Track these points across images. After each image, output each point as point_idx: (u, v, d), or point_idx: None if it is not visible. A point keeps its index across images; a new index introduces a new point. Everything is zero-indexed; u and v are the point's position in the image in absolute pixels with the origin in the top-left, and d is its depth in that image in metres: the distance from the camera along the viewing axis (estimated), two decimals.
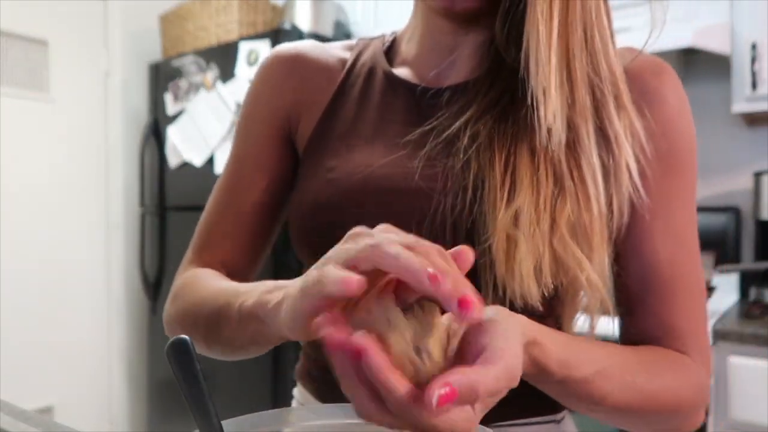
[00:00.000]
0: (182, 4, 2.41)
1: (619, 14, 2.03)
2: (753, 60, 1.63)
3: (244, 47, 2.10)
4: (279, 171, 0.66)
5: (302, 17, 2.23)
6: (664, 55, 1.88)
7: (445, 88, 0.60)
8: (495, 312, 0.39)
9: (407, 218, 0.52)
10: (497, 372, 0.35)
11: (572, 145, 0.51)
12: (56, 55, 2.41)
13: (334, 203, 0.57)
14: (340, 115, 0.63)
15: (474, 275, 0.42)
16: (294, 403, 0.69)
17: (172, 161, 2.35)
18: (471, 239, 0.51)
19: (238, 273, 0.65)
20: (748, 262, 1.90)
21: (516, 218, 0.49)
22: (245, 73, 2.08)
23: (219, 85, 2.16)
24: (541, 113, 0.50)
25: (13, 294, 2.24)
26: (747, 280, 1.85)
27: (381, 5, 2.38)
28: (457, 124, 0.55)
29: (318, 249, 0.44)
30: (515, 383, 0.37)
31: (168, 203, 2.40)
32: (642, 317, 0.55)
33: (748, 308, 1.62)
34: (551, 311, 0.54)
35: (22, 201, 2.30)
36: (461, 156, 0.54)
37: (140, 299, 2.55)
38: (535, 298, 0.49)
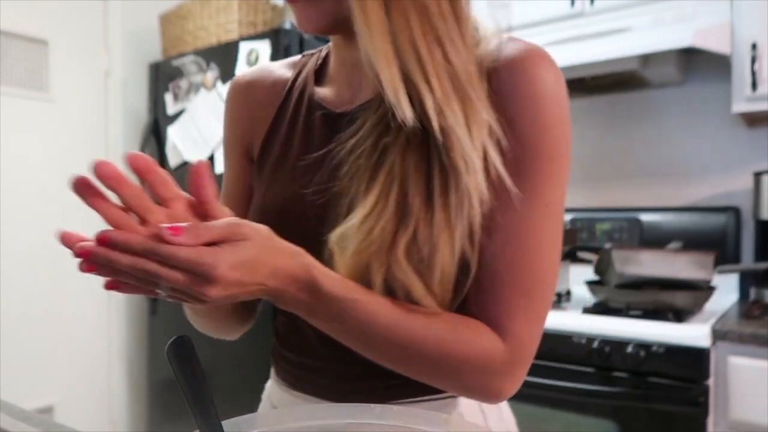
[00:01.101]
0: (182, 4, 2.41)
1: (619, 14, 2.03)
2: (753, 60, 1.63)
3: (244, 47, 2.10)
4: (249, 185, 0.71)
5: None
6: (664, 55, 1.89)
7: (354, 109, 0.61)
8: (268, 233, 0.48)
9: (310, 244, 0.54)
10: (237, 252, 0.44)
11: (440, 166, 0.53)
12: (56, 55, 2.41)
13: (262, 221, 0.60)
14: (276, 139, 0.67)
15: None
16: (269, 384, 0.74)
17: (172, 161, 2.35)
18: (325, 249, 0.55)
19: None
20: (748, 262, 1.90)
21: (341, 237, 0.53)
22: None
23: (219, 85, 2.16)
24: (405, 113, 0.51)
25: (13, 294, 2.24)
26: (747, 280, 1.85)
27: None
28: (347, 148, 0.57)
29: None
30: (258, 278, 0.46)
31: None
32: (477, 295, 0.56)
33: (748, 308, 1.62)
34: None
35: (22, 201, 2.29)
36: (344, 181, 0.57)
37: (140, 299, 2.54)
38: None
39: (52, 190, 2.39)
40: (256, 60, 2.06)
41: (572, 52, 1.86)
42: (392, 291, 0.53)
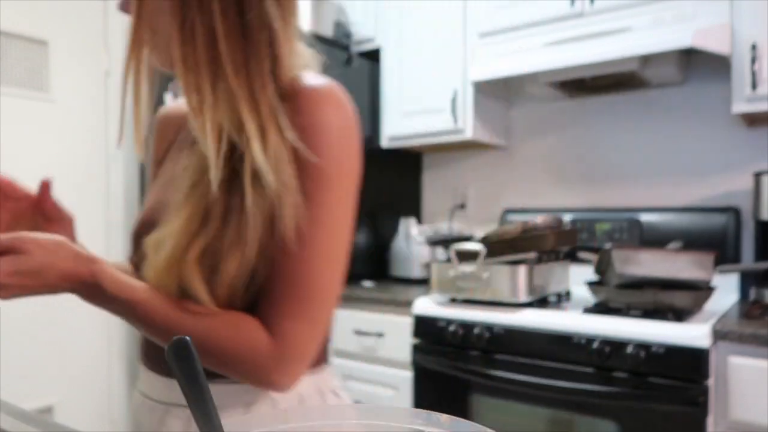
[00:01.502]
0: None
1: (619, 14, 2.03)
2: (753, 60, 1.63)
3: None
4: None
5: (302, 17, 2.23)
6: (664, 55, 1.89)
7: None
8: (51, 239, 0.60)
9: (143, 235, 0.68)
10: (15, 263, 0.56)
11: (228, 188, 0.62)
12: (56, 55, 2.41)
13: (132, 234, 0.76)
14: (166, 161, 0.79)
15: None
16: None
17: None
18: None
19: None
20: (748, 262, 1.90)
21: (157, 245, 0.63)
22: None
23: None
24: (210, 155, 0.61)
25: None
26: (747, 280, 1.85)
27: (381, 5, 2.38)
28: (178, 168, 0.68)
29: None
30: (45, 281, 0.58)
31: None
32: (260, 297, 0.65)
33: (748, 308, 1.62)
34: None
35: None
36: (169, 194, 0.67)
37: None
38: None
39: (52, 190, 2.39)
40: None
41: (572, 52, 1.86)
42: (185, 292, 0.62)
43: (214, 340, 0.63)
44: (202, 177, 0.63)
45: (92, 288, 0.62)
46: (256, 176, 0.61)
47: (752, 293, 1.79)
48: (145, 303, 0.62)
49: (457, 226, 2.48)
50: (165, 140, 0.82)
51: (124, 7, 0.70)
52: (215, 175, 0.61)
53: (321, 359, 0.76)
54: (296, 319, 0.63)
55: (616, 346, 1.46)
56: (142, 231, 0.71)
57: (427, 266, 1.85)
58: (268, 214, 0.62)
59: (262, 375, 0.64)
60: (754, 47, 1.63)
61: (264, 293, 0.65)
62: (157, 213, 0.70)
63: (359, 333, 1.99)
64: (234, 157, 0.63)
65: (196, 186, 0.64)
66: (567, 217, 2.15)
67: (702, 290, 1.56)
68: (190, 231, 0.62)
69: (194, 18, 0.62)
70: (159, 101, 2.42)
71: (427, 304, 1.82)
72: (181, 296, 0.63)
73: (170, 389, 0.70)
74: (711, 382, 1.38)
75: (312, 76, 0.68)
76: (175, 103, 0.84)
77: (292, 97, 0.64)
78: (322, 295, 0.65)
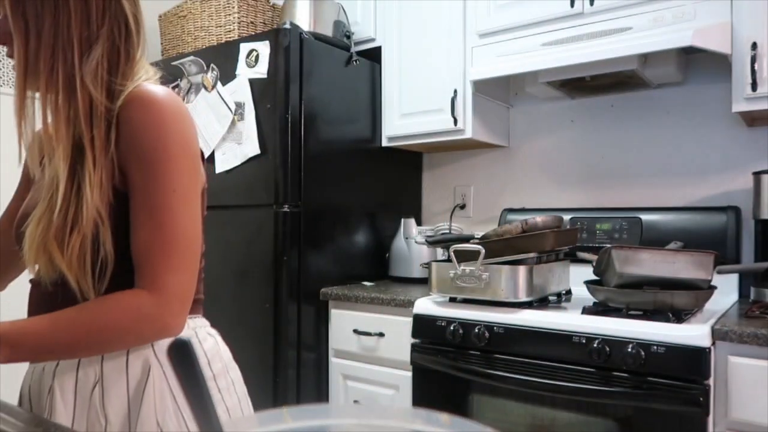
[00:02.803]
0: (182, 4, 2.41)
1: (619, 14, 2.03)
2: (753, 59, 1.63)
3: (244, 47, 2.10)
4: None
5: (302, 17, 2.23)
6: (664, 54, 1.89)
7: None
8: None
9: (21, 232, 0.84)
10: None
11: (69, 174, 0.78)
12: None
13: (14, 227, 0.91)
14: (41, 165, 0.93)
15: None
16: None
17: None
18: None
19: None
20: (748, 262, 1.90)
21: (33, 228, 0.79)
22: (245, 73, 2.08)
23: (219, 85, 2.16)
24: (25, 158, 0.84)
25: (13, 294, 2.24)
26: (747, 280, 1.85)
27: (381, 5, 2.38)
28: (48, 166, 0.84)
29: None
30: None
31: None
32: (136, 269, 0.80)
33: (748, 308, 1.62)
34: (64, 284, 0.80)
35: None
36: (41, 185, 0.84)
37: None
38: (44, 275, 0.80)
39: None
40: (256, 60, 2.06)
41: (572, 51, 1.86)
42: (50, 258, 0.78)
43: (100, 321, 0.76)
44: (54, 177, 0.80)
45: (20, 360, 0.75)
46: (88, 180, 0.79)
47: (752, 293, 1.79)
48: (35, 330, 0.75)
49: (457, 226, 2.48)
50: (40, 153, 0.95)
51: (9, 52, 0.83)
52: (63, 174, 0.79)
53: (196, 309, 0.92)
54: (170, 271, 0.78)
55: (616, 345, 1.46)
56: (19, 224, 0.86)
57: (427, 266, 1.85)
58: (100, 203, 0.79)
59: (156, 324, 0.78)
60: (754, 47, 1.63)
61: (138, 260, 0.79)
62: (26, 209, 0.86)
63: (359, 333, 1.99)
64: (74, 159, 0.80)
65: (50, 185, 0.80)
66: (567, 217, 2.15)
67: (702, 290, 1.56)
68: (47, 218, 0.78)
69: (54, 49, 0.79)
70: None
71: (426, 304, 1.82)
72: (51, 266, 0.78)
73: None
74: (711, 382, 1.38)
75: (151, 85, 0.83)
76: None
77: (127, 104, 0.80)
78: (187, 246, 0.80)
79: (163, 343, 0.84)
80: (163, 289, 0.78)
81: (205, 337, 0.91)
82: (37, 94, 0.82)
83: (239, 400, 0.93)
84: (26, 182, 1.02)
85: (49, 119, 0.81)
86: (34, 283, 0.89)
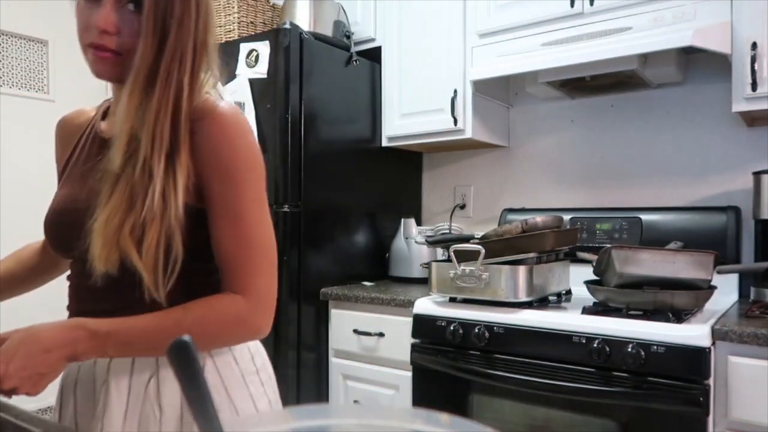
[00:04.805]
0: None
1: (619, 14, 2.03)
2: (753, 60, 1.63)
3: (244, 47, 2.10)
4: None
5: (302, 17, 2.23)
6: (664, 54, 1.89)
7: (110, 138, 0.86)
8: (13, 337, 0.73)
9: (68, 227, 0.85)
10: (4, 357, 0.71)
11: (148, 177, 0.79)
12: (56, 55, 2.41)
13: (49, 218, 0.90)
14: (71, 160, 0.94)
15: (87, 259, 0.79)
16: None
17: None
18: (86, 236, 0.80)
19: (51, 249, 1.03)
20: (748, 262, 1.90)
21: (102, 224, 0.78)
22: (245, 73, 2.08)
23: (219, 85, 2.16)
24: (114, 152, 0.80)
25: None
26: (747, 280, 1.85)
27: (381, 5, 2.38)
28: (100, 165, 0.83)
29: (48, 242, 0.92)
30: (56, 359, 0.73)
31: None
32: (223, 276, 0.84)
33: (748, 308, 1.62)
34: (131, 279, 0.80)
35: (22, 200, 2.29)
36: (96, 186, 0.82)
37: None
38: (111, 269, 0.78)
39: (52, 190, 2.39)
40: (256, 60, 2.06)
41: (572, 51, 1.86)
42: (123, 255, 0.78)
43: (204, 323, 0.80)
44: (123, 170, 0.81)
45: (89, 336, 0.76)
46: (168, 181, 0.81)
47: (752, 293, 1.79)
48: (135, 323, 0.78)
49: (457, 226, 2.48)
50: (67, 143, 0.97)
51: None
52: (118, 163, 0.80)
53: None
54: (258, 275, 0.83)
55: (616, 345, 1.46)
56: (59, 219, 0.88)
57: (427, 266, 1.85)
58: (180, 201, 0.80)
59: (251, 329, 0.83)
60: (754, 47, 1.63)
61: (226, 266, 0.83)
62: (77, 203, 0.85)
63: (359, 333, 1.99)
64: (167, 162, 0.81)
65: (119, 177, 0.80)
66: (567, 217, 2.15)
67: (702, 290, 1.56)
68: (123, 211, 0.79)
69: (153, 41, 0.80)
70: None
71: (426, 304, 1.82)
72: (121, 264, 0.78)
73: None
74: (711, 382, 1.38)
75: (218, 99, 0.87)
76: (70, 111, 1.02)
77: (203, 118, 0.83)
78: (268, 251, 0.85)
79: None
80: (254, 292, 0.83)
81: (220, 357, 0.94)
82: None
83: (276, 393, 0.97)
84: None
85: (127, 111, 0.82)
86: (78, 276, 0.89)
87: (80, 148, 0.94)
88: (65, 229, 0.86)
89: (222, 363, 0.88)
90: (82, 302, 0.90)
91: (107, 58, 0.81)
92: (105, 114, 0.96)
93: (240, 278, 0.83)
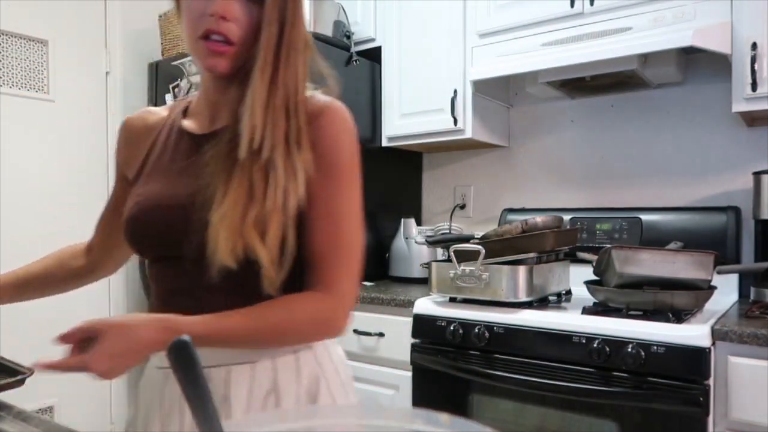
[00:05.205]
0: None
1: (619, 14, 2.03)
2: (753, 60, 1.63)
3: None
4: (120, 196, 1.00)
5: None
6: (664, 54, 1.89)
7: (210, 133, 0.87)
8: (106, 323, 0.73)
9: (170, 223, 0.83)
10: (97, 351, 0.72)
11: (267, 170, 0.79)
12: (56, 55, 2.41)
13: (137, 216, 0.87)
14: (150, 159, 0.93)
15: (202, 254, 0.77)
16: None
17: None
18: (201, 231, 0.78)
19: (98, 253, 1.08)
20: (748, 262, 1.90)
21: (221, 217, 0.77)
22: None
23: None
24: (243, 145, 0.79)
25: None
26: (747, 280, 1.85)
27: (381, 5, 2.38)
28: (210, 161, 0.82)
29: (131, 243, 0.89)
30: (139, 354, 0.72)
31: None
32: (311, 273, 0.84)
33: (748, 308, 1.62)
34: (248, 275, 0.79)
35: (22, 200, 2.29)
36: (205, 181, 0.81)
37: (140, 299, 2.54)
38: (230, 264, 0.77)
39: (52, 190, 2.39)
40: None
41: (572, 52, 1.86)
42: (247, 251, 0.77)
43: (290, 319, 0.80)
44: (236, 163, 0.80)
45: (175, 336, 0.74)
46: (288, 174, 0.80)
47: (752, 293, 1.79)
48: (224, 321, 0.76)
49: (457, 226, 2.48)
50: (135, 143, 0.96)
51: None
52: (242, 150, 0.79)
53: None
54: (345, 276, 0.83)
55: (616, 345, 1.46)
56: (153, 217, 0.85)
57: (427, 266, 1.85)
58: (292, 195, 0.80)
59: (333, 329, 0.83)
60: (754, 47, 1.63)
61: (316, 263, 0.83)
62: (175, 199, 0.84)
63: (359, 333, 1.99)
64: (285, 154, 0.81)
65: (233, 170, 0.79)
66: (567, 217, 2.15)
67: (702, 290, 1.56)
68: (243, 204, 0.78)
69: (274, 32, 0.80)
70: (159, 101, 2.42)
71: (426, 304, 1.82)
72: (245, 258, 0.77)
73: (209, 355, 0.80)
74: (711, 382, 1.38)
75: (319, 95, 0.87)
76: (135, 113, 1.01)
77: (320, 114, 0.84)
78: (357, 252, 0.86)
79: (332, 350, 0.93)
80: (340, 294, 0.83)
81: (333, 342, 0.94)
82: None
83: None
84: (121, 178, 1.01)
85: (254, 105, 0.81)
86: (176, 276, 0.86)
87: (162, 146, 0.92)
88: (163, 226, 0.84)
89: (320, 354, 0.90)
90: (174, 304, 0.85)
91: (223, 50, 0.80)
92: (184, 112, 0.95)
93: (328, 278, 0.83)
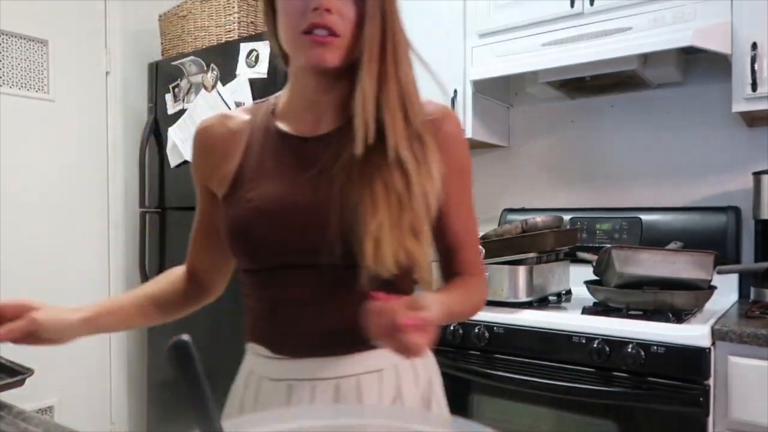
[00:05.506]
0: (182, 4, 2.41)
1: (619, 14, 2.03)
2: (753, 60, 1.63)
3: (244, 47, 2.10)
4: (212, 210, 0.93)
5: None
6: (664, 55, 1.89)
7: (318, 136, 0.85)
8: (421, 297, 0.72)
9: (304, 228, 0.80)
10: (431, 311, 0.70)
11: (404, 173, 0.79)
12: (56, 55, 2.41)
13: (254, 222, 0.83)
14: (249, 164, 0.88)
15: (354, 263, 0.77)
16: (248, 359, 0.92)
17: (172, 161, 2.35)
18: (344, 238, 0.78)
19: (204, 273, 1.00)
20: (748, 262, 1.90)
21: (379, 226, 0.76)
22: (245, 73, 2.08)
23: (219, 85, 2.16)
24: (359, 142, 0.78)
25: (13, 293, 2.24)
26: (747, 280, 1.85)
27: None
28: (337, 165, 0.81)
29: (246, 252, 0.85)
30: (436, 327, 0.71)
31: (168, 203, 2.40)
32: (455, 260, 0.92)
33: (748, 308, 1.62)
34: (401, 279, 0.82)
35: (23, 200, 2.29)
36: (339, 187, 0.80)
37: None
38: (389, 274, 0.77)
39: (52, 190, 2.39)
40: (256, 60, 2.06)
41: (572, 52, 1.86)
42: (408, 255, 0.78)
43: (479, 303, 0.92)
44: (366, 166, 0.80)
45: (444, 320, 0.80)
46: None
47: (752, 293, 1.79)
48: (447, 297, 0.83)
49: None
50: (216, 148, 0.91)
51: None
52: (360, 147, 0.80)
53: None
54: (481, 261, 0.99)
55: (616, 345, 1.46)
56: (272, 222, 0.82)
57: None
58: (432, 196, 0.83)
59: (485, 299, 0.95)
60: (754, 47, 1.63)
61: (462, 254, 0.91)
62: (298, 204, 0.82)
63: None
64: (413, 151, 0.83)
65: (371, 174, 0.80)
66: (567, 217, 2.15)
67: (702, 290, 1.56)
68: (396, 210, 0.78)
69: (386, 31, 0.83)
70: (159, 101, 2.42)
71: None
72: (407, 260, 0.78)
73: (339, 365, 0.83)
74: (711, 382, 1.38)
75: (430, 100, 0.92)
76: (210, 117, 0.96)
77: (442, 117, 0.89)
78: (479, 244, 0.98)
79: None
80: (484, 275, 0.97)
81: (429, 353, 0.95)
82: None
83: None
84: (206, 189, 0.94)
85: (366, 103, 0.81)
86: (285, 271, 0.83)
87: (259, 149, 0.88)
88: (295, 232, 0.81)
89: (430, 357, 0.94)
90: (292, 313, 0.84)
91: (328, 41, 0.78)
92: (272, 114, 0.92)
93: (473, 263, 0.92)
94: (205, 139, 0.93)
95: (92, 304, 0.90)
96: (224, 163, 0.89)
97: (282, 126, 0.88)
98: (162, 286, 0.98)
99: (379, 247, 0.76)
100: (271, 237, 0.82)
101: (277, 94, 0.95)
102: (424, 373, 0.90)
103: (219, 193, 0.90)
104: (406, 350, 0.67)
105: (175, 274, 1.00)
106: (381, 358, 0.83)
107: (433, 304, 0.72)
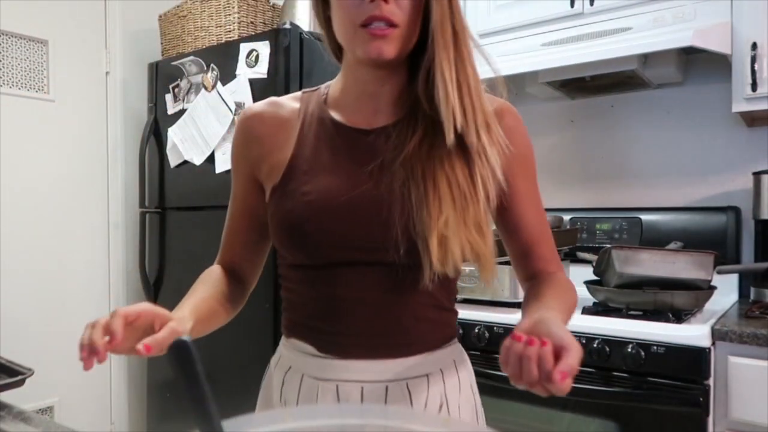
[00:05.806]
0: (182, 4, 2.41)
1: (619, 14, 2.03)
2: (753, 60, 1.63)
3: (244, 47, 2.10)
4: (255, 202, 0.89)
5: (302, 17, 2.23)
6: (665, 54, 1.89)
7: (377, 129, 0.82)
8: (542, 319, 0.66)
9: (367, 224, 0.78)
10: (576, 353, 0.60)
11: (468, 163, 0.78)
12: (56, 55, 2.41)
13: (311, 216, 0.79)
14: (303, 155, 0.83)
15: (417, 261, 0.76)
16: (279, 353, 0.90)
17: (172, 161, 2.35)
18: (408, 236, 0.76)
19: (241, 268, 0.94)
20: (748, 262, 1.90)
21: (446, 223, 0.75)
22: (245, 73, 2.08)
23: (219, 85, 2.16)
24: (449, 131, 0.75)
25: (13, 293, 2.24)
26: (747, 280, 1.85)
27: None
28: (399, 158, 0.79)
29: (301, 246, 0.80)
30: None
31: (168, 203, 2.40)
32: (532, 257, 0.89)
33: (748, 308, 1.62)
34: (455, 279, 0.86)
35: (23, 201, 2.29)
36: (401, 181, 0.78)
37: (140, 299, 2.54)
38: (455, 273, 0.79)
39: (52, 190, 2.39)
40: (256, 60, 2.06)
41: (572, 52, 1.86)
42: (473, 251, 0.77)
43: (573, 300, 0.85)
44: (429, 158, 0.78)
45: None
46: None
47: (752, 293, 1.79)
48: (547, 302, 0.79)
49: None
50: (263, 135, 0.86)
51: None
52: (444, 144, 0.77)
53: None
54: (557, 254, 0.92)
55: (616, 345, 1.46)
56: (335, 215, 0.78)
57: None
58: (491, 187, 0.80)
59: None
60: (754, 47, 1.63)
61: (538, 249, 0.89)
62: (364, 198, 0.79)
63: None
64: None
65: (434, 167, 0.77)
66: (567, 217, 2.15)
67: (702, 290, 1.56)
68: (462, 206, 0.77)
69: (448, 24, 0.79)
70: (159, 101, 2.42)
71: None
72: (473, 257, 0.78)
73: (387, 368, 0.80)
74: (711, 382, 1.38)
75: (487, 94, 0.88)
76: (258, 103, 0.90)
77: (505, 112, 0.90)
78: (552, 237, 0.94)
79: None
80: (564, 270, 0.92)
81: (466, 357, 0.94)
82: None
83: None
84: (251, 179, 0.89)
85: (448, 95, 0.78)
86: (342, 268, 0.80)
87: (314, 140, 0.84)
88: (358, 229, 0.78)
89: (469, 362, 0.94)
90: (344, 311, 0.81)
91: (387, 33, 0.75)
92: (325, 102, 0.87)
93: (553, 259, 0.90)
94: (254, 126, 0.87)
95: (190, 309, 0.79)
96: (275, 152, 0.84)
97: (337, 117, 0.84)
98: (227, 281, 0.90)
99: (446, 245, 0.75)
100: (330, 232, 0.78)
101: (327, 83, 0.90)
102: (466, 377, 0.89)
103: (268, 184, 0.85)
104: (551, 393, 0.62)
105: (217, 271, 0.91)
106: (428, 363, 0.82)
107: (572, 342, 0.62)
